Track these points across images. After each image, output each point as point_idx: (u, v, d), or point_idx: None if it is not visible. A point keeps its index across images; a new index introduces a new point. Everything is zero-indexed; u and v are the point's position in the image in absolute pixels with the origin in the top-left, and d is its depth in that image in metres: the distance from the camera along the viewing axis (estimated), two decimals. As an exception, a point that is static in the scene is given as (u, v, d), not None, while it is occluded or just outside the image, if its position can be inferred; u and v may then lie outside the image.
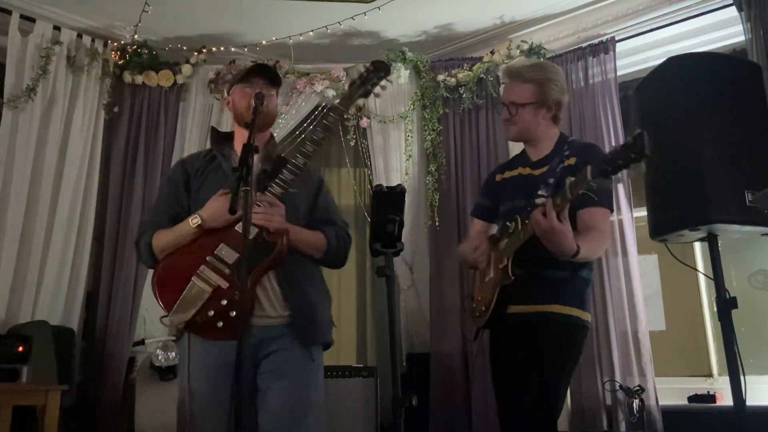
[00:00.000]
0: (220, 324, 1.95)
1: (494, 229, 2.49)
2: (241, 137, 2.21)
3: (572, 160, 2.17)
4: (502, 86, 2.35)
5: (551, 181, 2.14)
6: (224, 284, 1.97)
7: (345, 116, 2.19)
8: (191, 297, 1.97)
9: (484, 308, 2.22)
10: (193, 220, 2.02)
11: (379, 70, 2.15)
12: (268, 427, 1.99)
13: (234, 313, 1.94)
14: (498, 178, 2.43)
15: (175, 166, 2.29)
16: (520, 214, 2.17)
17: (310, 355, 2.07)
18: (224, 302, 1.96)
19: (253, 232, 1.95)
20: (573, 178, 1.84)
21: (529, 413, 2.02)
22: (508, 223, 2.19)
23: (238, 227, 2.00)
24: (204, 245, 2.03)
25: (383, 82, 2.15)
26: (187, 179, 2.18)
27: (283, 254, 1.99)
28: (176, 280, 2.00)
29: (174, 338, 2.13)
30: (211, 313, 1.96)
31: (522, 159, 2.38)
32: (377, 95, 2.18)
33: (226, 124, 4.46)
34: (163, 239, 2.08)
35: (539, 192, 2.14)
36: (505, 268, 2.09)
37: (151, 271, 2.08)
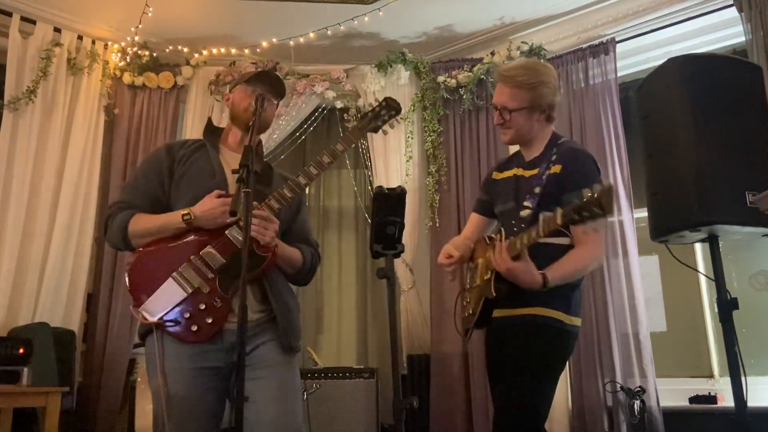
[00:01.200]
0: (195, 328, 1.89)
1: (492, 225, 2.50)
2: (234, 136, 2.19)
3: (558, 168, 2.16)
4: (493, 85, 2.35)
5: (537, 190, 2.15)
6: (205, 288, 1.92)
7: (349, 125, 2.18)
8: (167, 294, 1.90)
9: (471, 312, 2.25)
10: (185, 215, 1.94)
11: (391, 108, 2.17)
12: (261, 415, 1.90)
13: (210, 319, 1.90)
14: (496, 176, 2.43)
15: (160, 150, 2.16)
16: (508, 218, 2.22)
17: (289, 358, 2.02)
18: (202, 306, 1.90)
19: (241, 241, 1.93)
20: (548, 214, 1.86)
21: (512, 415, 2.04)
22: (494, 234, 2.23)
23: (228, 232, 1.96)
24: (189, 243, 1.95)
25: (392, 121, 2.17)
26: (171, 164, 2.09)
27: (269, 269, 1.98)
28: (154, 273, 1.93)
29: (142, 336, 2.00)
30: (187, 315, 1.90)
31: (518, 159, 2.38)
32: (385, 132, 2.18)
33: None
34: (143, 225, 1.99)
35: (525, 203, 2.16)
36: (489, 282, 2.09)
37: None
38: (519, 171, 2.32)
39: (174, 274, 1.92)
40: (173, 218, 1.97)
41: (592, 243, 2.09)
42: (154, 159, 2.13)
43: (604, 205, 1.68)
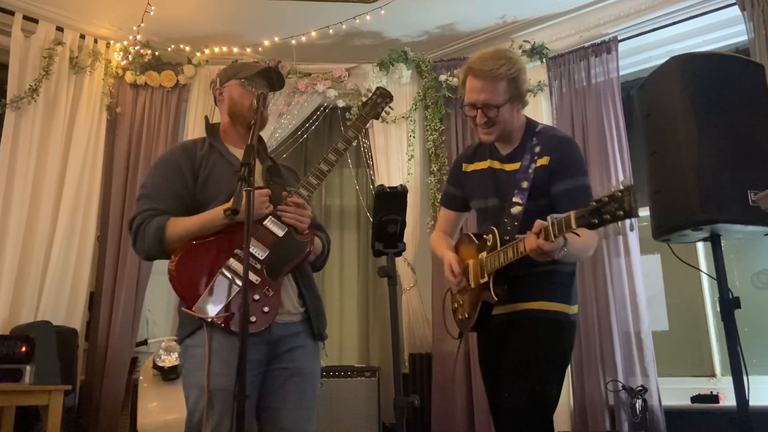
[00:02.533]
0: (253, 319, 1.90)
1: (464, 218, 2.45)
2: (234, 134, 2.20)
3: (545, 160, 2.09)
4: (466, 84, 2.17)
5: (525, 185, 2.08)
6: (255, 279, 1.94)
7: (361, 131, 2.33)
8: (218, 290, 1.91)
9: (467, 315, 2.20)
10: (227, 211, 1.87)
11: (385, 96, 2.30)
12: (279, 422, 1.99)
13: (267, 308, 1.93)
14: (467, 168, 2.33)
15: (177, 152, 2.14)
16: (496, 216, 2.15)
17: (317, 351, 2.13)
18: (256, 297, 1.92)
19: (282, 230, 2.00)
20: (557, 217, 1.75)
21: (523, 412, 2.01)
22: (486, 236, 2.15)
23: (265, 224, 2.01)
24: (230, 238, 1.97)
25: (387, 108, 2.32)
26: (193, 166, 2.08)
27: (311, 254, 2.06)
28: (200, 272, 1.93)
29: (186, 335, 1.99)
30: None
31: (489, 149, 2.26)
32: (383, 119, 2.36)
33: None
34: (182, 227, 1.98)
35: (514, 199, 2.08)
36: (487, 287, 2.05)
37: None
38: (496, 164, 2.22)
39: (222, 269, 1.94)
40: (215, 216, 1.96)
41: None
42: (172, 160, 2.11)
43: (626, 205, 1.55)
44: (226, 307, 1.91)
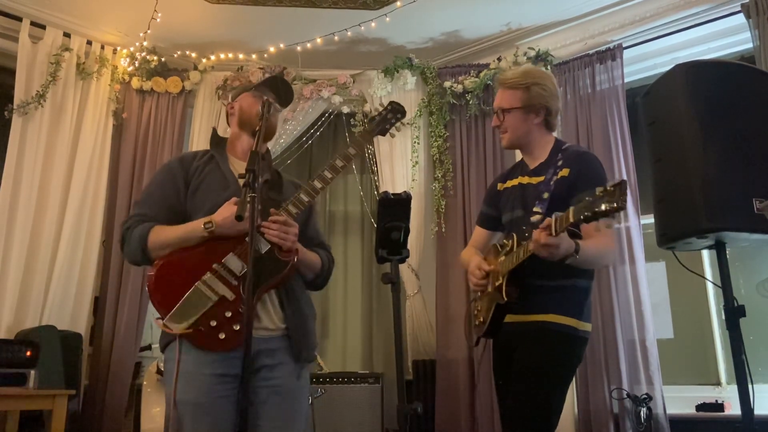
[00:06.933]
0: (222, 335, 1.88)
1: (497, 237, 2.50)
2: (242, 144, 2.20)
3: (565, 172, 2.17)
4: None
5: (545, 196, 2.15)
6: (230, 295, 1.91)
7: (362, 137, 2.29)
8: (192, 303, 1.88)
9: (482, 320, 2.24)
10: (207, 224, 1.93)
11: (397, 111, 2.26)
12: None
13: (238, 326, 1.88)
14: (500, 187, 2.44)
15: (173, 162, 2.17)
16: (519, 226, 2.20)
17: (301, 371, 2.05)
18: (228, 314, 1.89)
19: (265, 247, 1.94)
20: (560, 214, 1.83)
21: (523, 423, 2.03)
22: (505, 240, 2.22)
23: (248, 239, 1.92)
24: (210, 251, 1.94)
25: (398, 124, 2.27)
26: (186, 175, 2.10)
27: (293, 274, 1.99)
28: (176, 283, 1.91)
29: (164, 346, 2.01)
30: (214, 323, 1.89)
31: (521, 167, 2.39)
32: (393, 135, 2.29)
33: (234, 131, 4.48)
34: (164, 236, 1.98)
35: (534, 209, 2.15)
36: (500, 287, 2.10)
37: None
38: (524, 179, 2.32)
39: (197, 283, 1.91)
40: (195, 228, 1.96)
41: (606, 236, 2.09)
42: (168, 170, 2.14)
43: (617, 199, 1.63)
44: (197, 322, 1.88)
